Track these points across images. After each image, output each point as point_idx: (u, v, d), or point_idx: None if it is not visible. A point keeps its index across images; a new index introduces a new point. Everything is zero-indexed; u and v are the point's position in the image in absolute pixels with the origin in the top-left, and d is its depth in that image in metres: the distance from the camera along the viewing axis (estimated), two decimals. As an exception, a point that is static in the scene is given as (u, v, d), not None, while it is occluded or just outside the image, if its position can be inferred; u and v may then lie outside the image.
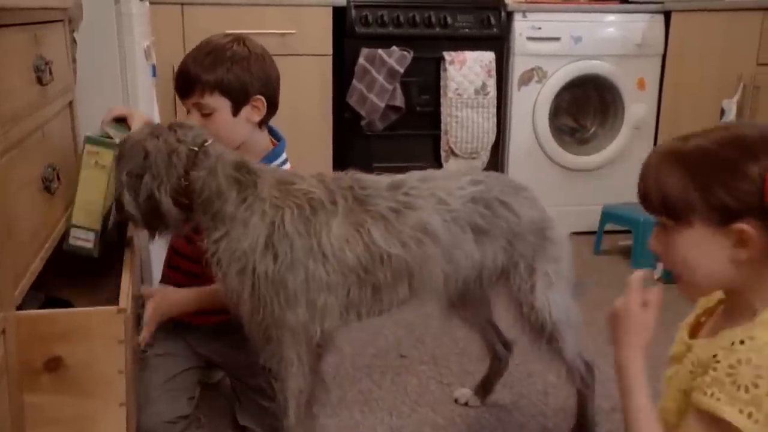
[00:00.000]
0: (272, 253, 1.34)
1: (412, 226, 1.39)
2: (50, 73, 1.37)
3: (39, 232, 1.29)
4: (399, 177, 1.47)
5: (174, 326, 1.72)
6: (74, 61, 1.79)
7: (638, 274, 1.08)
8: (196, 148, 1.39)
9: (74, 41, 1.79)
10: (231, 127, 1.57)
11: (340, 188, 1.41)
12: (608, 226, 3.15)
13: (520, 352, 1.84)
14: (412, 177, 1.47)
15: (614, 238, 3.20)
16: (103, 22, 1.80)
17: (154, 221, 1.43)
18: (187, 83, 1.57)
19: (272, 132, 1.75)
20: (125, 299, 1.22)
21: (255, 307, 1.37)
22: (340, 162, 3.16)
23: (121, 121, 1.65)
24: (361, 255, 1.37)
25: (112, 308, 1.17)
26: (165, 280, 1.79)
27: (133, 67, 1.85)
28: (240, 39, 1.61)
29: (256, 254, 1.34)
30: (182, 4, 2.85)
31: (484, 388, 1.88)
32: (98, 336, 1.15)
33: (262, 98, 1.60)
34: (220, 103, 1.56)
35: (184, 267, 1.71)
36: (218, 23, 2.83)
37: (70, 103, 1.68)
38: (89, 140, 1.47)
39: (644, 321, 1.04)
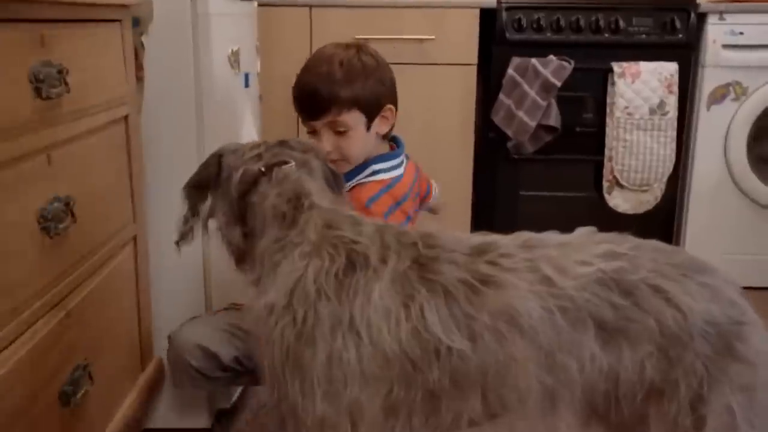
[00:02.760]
0: (291, 315, 0.99)
1: (491, 311, 0.96)
2: (65, 83, 1.09)
3: (20, 290, 1.00)
4: (493, 238, 1.04)
5: None
6: (142, 68, 1.53)
7: None
8: (262, 169, 1.13)
9: (142, 46, 1.53)
10: (363, 143, 1.44)
11: (399, 242, 1.02)
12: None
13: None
14: (514, 239, 1.04)
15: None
16: (175, 23, 1.52)
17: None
18: (320, 102, 1.41)
19: (394, 139, 1.57)
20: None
21: (270, 383, 1.04)
22: (482, 189, 2.74)
23: None
24: (405, 342, 0.96)
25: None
26: None
27: (210, 76, 1.55)
28: (362, 47, 1.48)
29: (274, 314, 1.01)
30: (310, 6, 2.57)
31: None
32: None
33: (393, 107, 1.48)
34: (356, 120, 1.42)
35: None
36: (349, 27, 2.53)
37: (125, 118, 1.42)
38: None
39: None
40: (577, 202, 2.70)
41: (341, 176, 1.27)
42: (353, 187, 1.42)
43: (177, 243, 1.19)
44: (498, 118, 2.60)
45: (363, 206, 1.39)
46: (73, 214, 1.13)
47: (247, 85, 1.80)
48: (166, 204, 1.58)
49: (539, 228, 2.81)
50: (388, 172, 1.46)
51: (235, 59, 1.68)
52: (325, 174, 1.20)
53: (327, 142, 1.41)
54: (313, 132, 1.44)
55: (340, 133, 1.41)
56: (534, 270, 0.98)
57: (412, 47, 2.57)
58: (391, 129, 1.52)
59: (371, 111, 1.43)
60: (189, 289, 1.66)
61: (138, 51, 1.51)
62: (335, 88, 1.40)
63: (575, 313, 0.96)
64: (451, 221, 2.69)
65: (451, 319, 0.96)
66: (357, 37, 2.52)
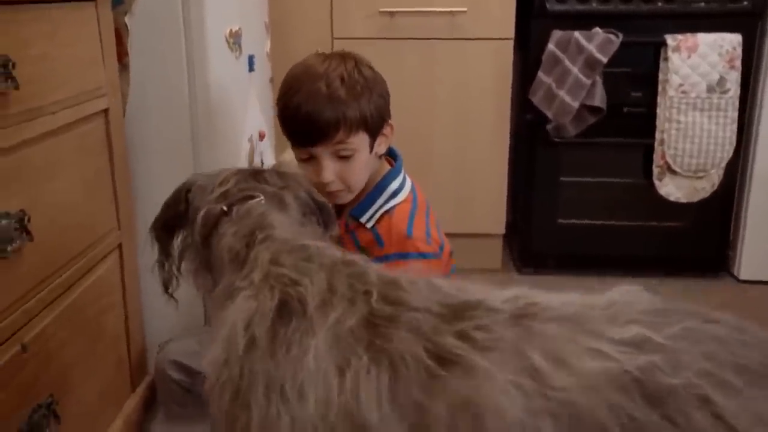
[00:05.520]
0: (228, 372, 0.80)
1: (450, 403, 0.68)
2: (10, 78, 0.92)
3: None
4: (483, 296, 0.76)
5: None
6: (126, 53, 1.36)
7: None
8: (224, 208, 0.95)
9: (126, 27, 1.35)
10: (366, 168, 1.27)
11: (351, 288, 0.79)
12: None
13: None
14: (509, 302, 0.74)
15: None
16: (163, 1, 1.33)
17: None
18: (324, 125, 1.20)
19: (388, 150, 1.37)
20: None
21: None
22: (519, 175, 2.52)
23: None
24: (334, 420, 0.72)
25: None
26: None
27: (205, 61, 1.37)
28: (357, 58, 1.28)
29: (215, 371, 0.82)
30: (330, -23, 2.35)
31: None
32: None
33: (392, 123, 1.30)
34: (362, 142, 1.24)
35: None
36: (372, 0, 2.31)
37: (105, 112, 1.24)
38: None
39: None
40: (624, 189, 2.46)
41: (330, 211, 1.07)
42: (381, 218, 1.25)
43: (166, 292, 1.02)
44: (537, 98, 2.36)
45: (405, 237, 1.22)
46: (28, 232, 0.97)
47: (251, 68, 1.61)
48: (159, 206, 1.42)
49: (581, 217, 2.59)
50: (403, 187, 1.29)
51: (234, 41, 1.49)
52: (305, 209, 1.01)
53: (329, 170, 1.21)
54: (307, 159, 1.24)
55: (343, 159, 1.23)
56: (519, 354, 0.69)
57: (442, 20, 2.34)
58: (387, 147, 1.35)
59: (376, 130, 1.26)
60: (187, 297, 1.50)
61: (121, 33, 1.34)
62: (341, 108, 1.20)
63: (573, 423, 0.66)
64: (486, 211, 2.49)
65: (394, 407, 0.70)
66: (382, 10, 2.32)
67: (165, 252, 1.03)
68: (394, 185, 1.27)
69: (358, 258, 0.85)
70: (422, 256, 1.21)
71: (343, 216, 1.30)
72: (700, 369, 0.66)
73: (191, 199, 1.01)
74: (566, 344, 0.69)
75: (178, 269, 1.02)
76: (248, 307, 0.81)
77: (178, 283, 1.03)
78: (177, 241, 1.04)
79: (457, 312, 0.74)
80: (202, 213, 0.95)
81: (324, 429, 0.72)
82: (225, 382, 0.80)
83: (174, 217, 1.02)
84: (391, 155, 1.36)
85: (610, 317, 0.71)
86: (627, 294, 0.75)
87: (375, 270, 0.81)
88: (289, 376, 0.75)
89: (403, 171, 1.31)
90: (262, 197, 0.96)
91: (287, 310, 0.78)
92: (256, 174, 1.01)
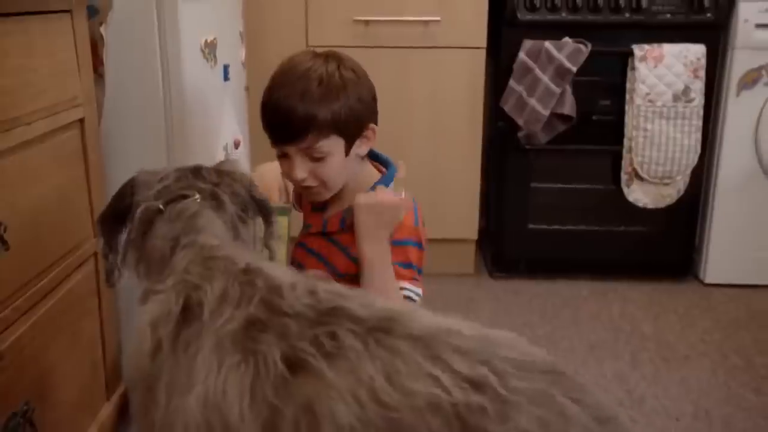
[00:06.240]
0: (141, 369, 0.85)
1: (296, 405, 0.72)
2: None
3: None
4: (355, 304, 0.78)
5: None
6: (102, 63, 1.37)
7: None
8: (160, 206, 0.98)
9: (101, 38, 1.36)
10: (342, 168, 1.26)
11: (242, 294, 0.82)
12: None
13: None
14: (378, 312, 0.77)
15: None
16: (138, 12, 1.35)
17: None
18: (295, 126, 1.19)
19: (374, 155, 1.37)
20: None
21: None
22: (491, 181, 2.56)
23: None
24: (208, 414, 0.77)
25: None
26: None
27: (180, 71, 1.39)
28: (342, 59, 1.26)
29: (131, 366, 0.88)
30: (305, -15, 2.38)
31: None
32: None
33: (374, 126, 1.28)
34: (335, 145, 1.23)
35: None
36: (348, 8, 2.36)
37: (81, 122, 1.26)
38: None
39: None
40: (593, 196, 2.52)
41: (269, 207, 1.10)
42: None
43: (108, 281, 1.04)
44: (508, 106, 2.41)
45: (413, 227, 1.26)
46: (4, 241, 0.98)
47: (226, 78, 1.63)
48: (134, 213, 1.42)
49: (552, 222, 2.64)
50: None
51: (210, 51, 1.51)
52: (243, 205, 1.04)
53: (300, 169, 1.22)
54: (282, 156, 1.24)
55: (316, 161, 1.22)
56: (361, 366, 0.71)
57: (416, 29, 2.38)
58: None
59: (351, 134, 1.24)
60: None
61: (97, 44, 1.35)
62: (313, 110, 1.18)
63: None
64: (459, 216, 2.52)
65: (252, 406, 0.74)
66: (357, 18, 2.35)
67: (109, 245, 1.04)
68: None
69: (264, 266, 0.87)
70: (420, 246, 1.26)
71: (327, 215, 1.31)
72: (524, 429, 0.65)
73: (134, 194, 1.02)
74: (407, 364, 0.70)
75: (122, 262, 1.03)
76: (156, 309, 0.84)
77: (120, 275, 1.04)
78: (124, 235, 1.05)
79: (321, 317, 0.77)
80: (140, 210, 0.98)
81: (202, 422, 0.77)
82: (137, 379, 0.84)
83: (120, 210, 1.04)
84: (380, 162, 1.36)
85: (466, 350, 0.71)
86: (506, 339, 0.75)
87: (268, 277, 0.84)
88: (184, 374, 0.79)
89: (393, 182, 1.32)
90: (198, 196, 0.98)
91: (189, 313, 0.82)
92: (195, 171, 1.03)
